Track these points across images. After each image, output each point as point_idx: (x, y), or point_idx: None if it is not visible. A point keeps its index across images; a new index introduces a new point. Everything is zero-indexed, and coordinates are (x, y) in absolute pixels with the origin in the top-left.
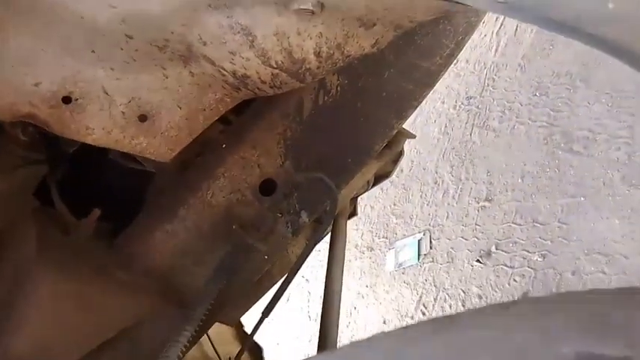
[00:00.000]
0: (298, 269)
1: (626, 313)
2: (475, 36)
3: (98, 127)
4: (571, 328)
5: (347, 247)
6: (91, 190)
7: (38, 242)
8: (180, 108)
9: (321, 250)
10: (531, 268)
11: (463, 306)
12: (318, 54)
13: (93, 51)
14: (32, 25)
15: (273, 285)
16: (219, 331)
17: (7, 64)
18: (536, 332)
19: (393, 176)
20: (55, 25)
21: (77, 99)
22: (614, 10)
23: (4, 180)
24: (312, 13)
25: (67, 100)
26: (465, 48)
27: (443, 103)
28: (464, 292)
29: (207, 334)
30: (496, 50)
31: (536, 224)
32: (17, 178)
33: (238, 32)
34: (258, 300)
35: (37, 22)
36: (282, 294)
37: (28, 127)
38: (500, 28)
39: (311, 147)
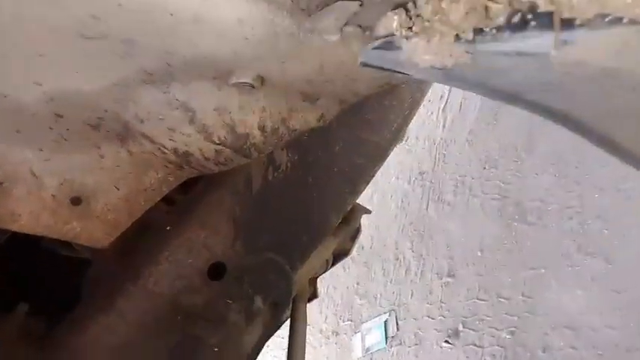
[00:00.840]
0: None
1: None
2: (423, 112)
3: (25, 212)
4: None
5: (311, 332)
6: (20, 281)
7: None
8: (118, 189)
9: (284, 338)
10: (501, 347)
11: None
12: (262, 129)
13: (18, 131)
14: None
15: None
16: None
17: None
18: None
19: (355, 254)
20: None
21: (2, 183)
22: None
23: None
24: (252, 87)
25: None
26: (414, 124)
27: (397, 178)
28: None
29: None
30: (444, 126)
31: (500, 299)
32: None
33: (177, 108)
34: None
35: None
36: None
37: None
38: (445, 104)
39: (262, 225)
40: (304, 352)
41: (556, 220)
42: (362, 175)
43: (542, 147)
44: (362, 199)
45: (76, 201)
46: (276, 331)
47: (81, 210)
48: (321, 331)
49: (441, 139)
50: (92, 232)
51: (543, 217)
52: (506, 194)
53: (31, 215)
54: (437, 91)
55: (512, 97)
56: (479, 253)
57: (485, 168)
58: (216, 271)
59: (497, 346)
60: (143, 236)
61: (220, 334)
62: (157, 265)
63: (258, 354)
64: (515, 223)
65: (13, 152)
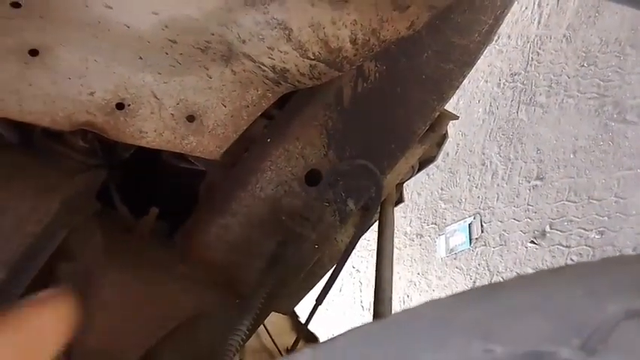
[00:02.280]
0: (348, 257)
1: None
2: (516, 9)
3: (150, 130)
4: (620, 287)
5: (396, 235)
6: (147, 192)
7: (104, 241)
8: (224, 106)
9: (370, 240)
10: (589, 247)
11: None
12: (354, 42)
13: (140, 57)
14: (82, 38)
15: (325, 273)
16: (276, 322)
17: (64, 77)
18: (583, 292)
19: (439, 161)
20: (103, 36)
21: (129, 105)
22: None
23: (69, 185)
24: (345, 0)
25: (120, 106)
26: (505, 23)
27: (486, 82)
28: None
29: (264, 325)
30: (539, 22)
31: (591, 200)
32: (80, 183)
33: (275, 27)
34: (311, 289)
35: (86, 35)
36: (333, 282)
37: (86, 134)
38: None
39: (353, 135)
40: (392, 252)
41: None
42: (450, 82)
43: None
44: (447, 106)
45: (190, 118)
46: (365, 232)
47: (195, 126)
48: (405, 234)
49: (536, 36)
50: (206, 145)
51: None
52: (605, 93)
53: (156, 132)
54: None
55: None
56: (571, 155)
57: (583, 66)
58: (312, 177)
59: (585, 245)
60: (248, 148)
61: (318, 233)
62: (262, 173)
63: (350, 253)
64: (613, 123)
65: (137, 77)
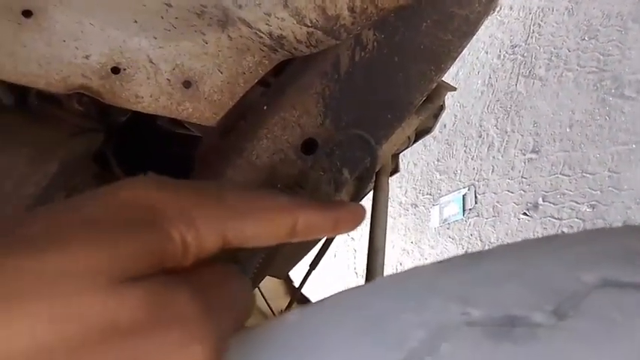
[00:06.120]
0: None
1: None
2: None
3: (146, 94)
4: (600, 258)
5: (391, 204)
6: (142, 157)
7: None
8: (221, 72)
9: (365, 209)
10: (580, 219)
11: None
12: (351, 9)
13: (135, 21)
14: (76, 0)
15: (320, 239)
16: (270, 286)
17: (59, 40)
18: (562, 262)
19: (436, 132)
20: None
21: (125, 69)
22: None
23: (66, 148)
24: None
25: (115, 70)
26: None
27: (486, 53)
28: None
29: (259, 289)
30: None
31: (585, 174)
32: (76, 146)
33: None
34: (306, 254)
35: None
36: (327, 248)
37: (82, 97)
38: None
39: (350, 104)
40: (386, 221)
41: None
42: (448, 52)
43: None
44: (447, 76)
45: (186, 84)
46: (360, 201)
47: (191, 92)
48: (400, 204)
49: (538, 8)
50: (202, 111)
51: None
52: (604, 67)
53: (152, 97)
54: None
55: None
56: (567, 129)
57: (584, 39)
58: (308, 146)
59: (577, 218)
60: (244, 116)
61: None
62: (258, 140)
63: None
64: (611, 98)
65: (133, 41)
